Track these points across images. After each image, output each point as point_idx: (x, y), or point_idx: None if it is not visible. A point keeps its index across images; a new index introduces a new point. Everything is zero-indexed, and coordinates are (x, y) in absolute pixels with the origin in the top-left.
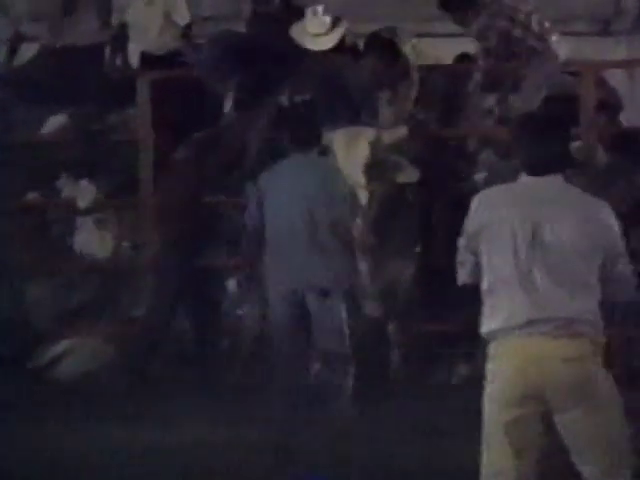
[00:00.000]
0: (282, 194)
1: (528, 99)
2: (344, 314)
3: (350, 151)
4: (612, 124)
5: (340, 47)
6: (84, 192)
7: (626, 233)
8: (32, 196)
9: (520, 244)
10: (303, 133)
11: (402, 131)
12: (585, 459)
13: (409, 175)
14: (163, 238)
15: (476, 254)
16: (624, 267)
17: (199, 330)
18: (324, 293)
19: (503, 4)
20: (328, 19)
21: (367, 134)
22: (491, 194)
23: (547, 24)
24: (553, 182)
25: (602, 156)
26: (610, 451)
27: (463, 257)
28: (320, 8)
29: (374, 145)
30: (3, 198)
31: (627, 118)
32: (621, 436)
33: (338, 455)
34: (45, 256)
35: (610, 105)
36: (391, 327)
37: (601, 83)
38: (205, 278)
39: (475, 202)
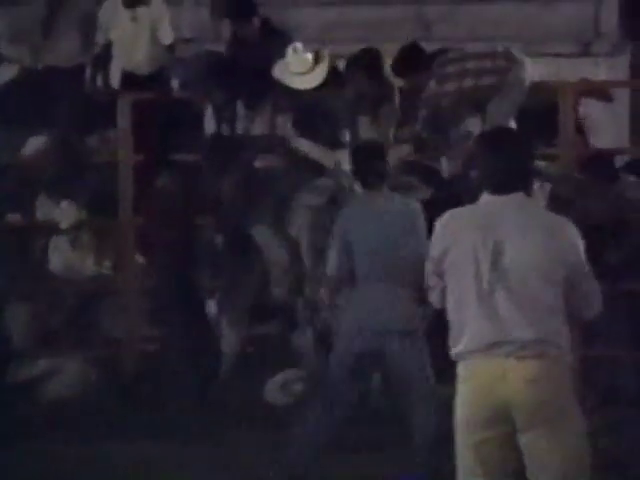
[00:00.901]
0: (362, 235)
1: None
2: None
3: None
4: (587, 145)
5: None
6: (66, 213)
7: (599, 248)
8: (12, 217)
9: (482, 268)
10: (373, 173)
11: (405, 149)
12: (539, 478)
13: (423, 194)
14: (155, 261)
15: (442, 278)
16: (587, 284)
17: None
18: (406, 334)
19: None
20: (309, 56)
21: None
22: (453, 217)
23: (515, 53)
24: (515, 200)
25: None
26: (564, 474)
27: (432, 281)
28: (300, 45)
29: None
30: None
31: (603, 139)
32: (579, 459)
33: None
34: (24, 277)
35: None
36: None
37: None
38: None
39: (438, 226)
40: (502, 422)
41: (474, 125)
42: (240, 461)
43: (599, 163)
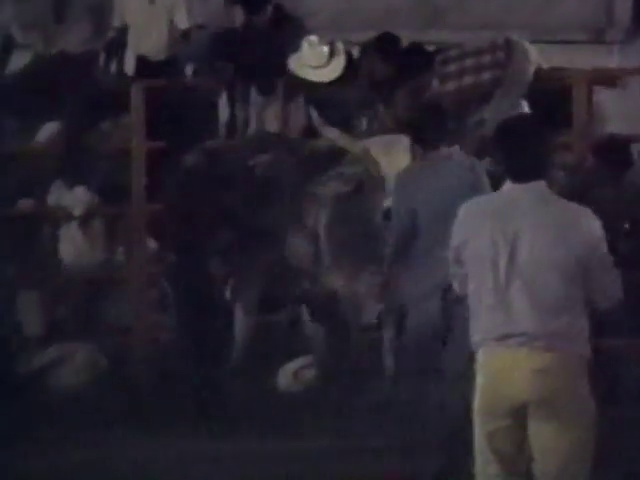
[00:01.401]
0: (426, 199)
1: (500, 109)
2: None
3: (392, 159)
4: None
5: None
6: (79, 199)
7: (611, 236)
8: (24, 203)
9: (499, 259)
10: (432, 131)
11: None
12: (543, 465)
13: None
14: (171, 247)
15: (462, 267)
16: (606, 276)
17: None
18: None
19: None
20: (325, 49)
21: (402, 141)
22: (474, 206)
23: (515, 42)
24: (535, 189)
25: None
26: (565, 465)
27: (453, 270)
28: (315, 38)
29: (413, 152)
30: None
31: (617, 126)
32: (583, 452)
33: None
34: (34, 264)
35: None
36: None
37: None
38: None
39: (460, 215)
40: (514, 412)
41: (486, 112)
42: (252, 449)
43: (613, 149)
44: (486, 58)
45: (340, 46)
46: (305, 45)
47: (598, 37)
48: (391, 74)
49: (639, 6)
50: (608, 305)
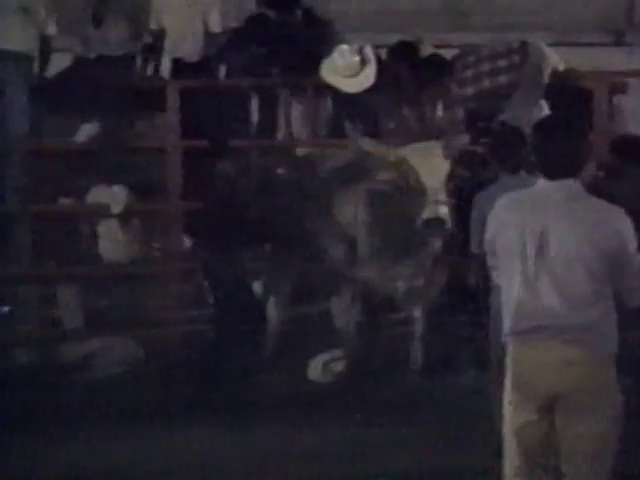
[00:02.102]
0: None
1: (519, 111)
2: None
3: (431, 166)
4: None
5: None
6: (118, 198)
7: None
8: (64, 202)
9: (529, 252)
10: (512, 157)
11: (464, 139)
12: (569, 457)
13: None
14: (206, 242)
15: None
16: (634, 274)
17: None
18: None
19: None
20: (357, 59)
21: (437, 148)
22: (507, 201)
23: (531, 44)
24: (566, 187)
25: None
26: (593, 457)
27: (490, 262)
28: (346, 47)
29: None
30: (35, 203)
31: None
32: (608, 444)
33: None
34: (74, 260)
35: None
36: None
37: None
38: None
39: (494, 209)
40: (544, 405)
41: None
42: (282, 440)
43: (632, 147)
44: (502, 62)
45: (370, 53)
46: (336, 54)
47: (618, 39)
48: (413, 80)
49: None
50: (634, 306)
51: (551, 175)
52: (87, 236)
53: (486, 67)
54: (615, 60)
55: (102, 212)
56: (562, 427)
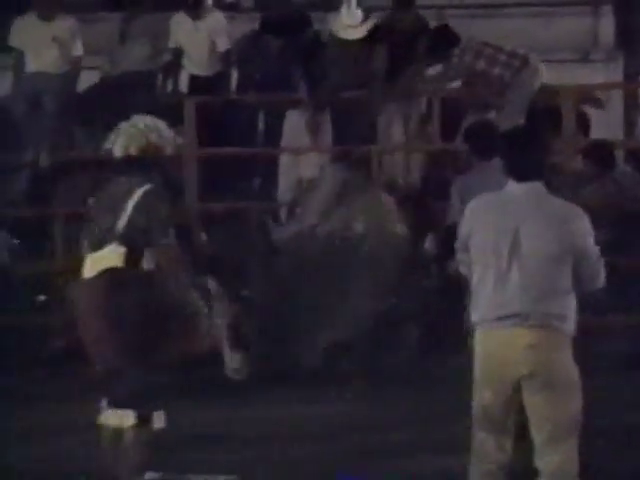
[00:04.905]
0: None
1: (510, 117)
2: None
3: None
4: (587, 137)
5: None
6: None
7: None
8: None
9: (502, 249)
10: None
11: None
12: (539, 430)
13: None
14: None
15: (469, 254)
16: (593, 265)
17: None
18: None
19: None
20: (360, 13)
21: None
22: (481, 202)
23: (532, 58)
24: (533, 189)
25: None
26: (553, 424)
27: (461, 257)
28: (353, 1)
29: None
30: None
31: (601, 134)
32: (567, 412)
33: None
34: None
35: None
36: None
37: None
38: None
39: (468, 209)
40: (508, 386)
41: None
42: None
43: (599, 152)
44: (502, 57)
45: (372, 17)
46: (344, 5)
47: (584, 57)
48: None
49: (620, 29)
50: (592, 289)
51: (520, 178)
52: None
53: (488, 52)
54: (581, 75)
55: None
56: (530, 405)
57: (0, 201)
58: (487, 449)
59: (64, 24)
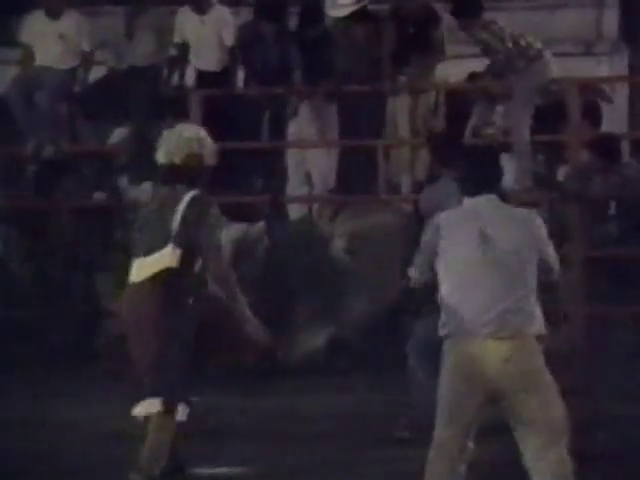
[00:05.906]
0: None
1: (516, 109)
2: None
3: None
4: (593, 130)
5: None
6: (147, 193)
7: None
8: (98, 196)
9: (472, 258)
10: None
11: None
12: (537, 434)
13: None
14: None
15: (432, 267)
16: (551, 260)
17: None
18: None
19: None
20: None
21: None
22: (446, 216)
23: (547, 54)
24: (490, 200)
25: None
26: (549, 426)
27: (418, 259)
28: None
29: None
30: (74, 199)
31: (606, 127)
32: (558, 413)
33: None
34: (109, 249)
35: (592, 114)
36: None
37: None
38: None
39: (436, 221)
40: (477, 393)
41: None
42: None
43: (605, 145)
44: (523, 42)
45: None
46: None
47: (588, 50)
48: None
49: (624, 22)
50: (550, 278)
51: (475, 193)
52: (121, 227)
53: (504, 34)
54: (585, 68)
55: (136, 206)
56: (516, 413)
57: (3, 193)
58: (449, 447)
59: (70, 21)
